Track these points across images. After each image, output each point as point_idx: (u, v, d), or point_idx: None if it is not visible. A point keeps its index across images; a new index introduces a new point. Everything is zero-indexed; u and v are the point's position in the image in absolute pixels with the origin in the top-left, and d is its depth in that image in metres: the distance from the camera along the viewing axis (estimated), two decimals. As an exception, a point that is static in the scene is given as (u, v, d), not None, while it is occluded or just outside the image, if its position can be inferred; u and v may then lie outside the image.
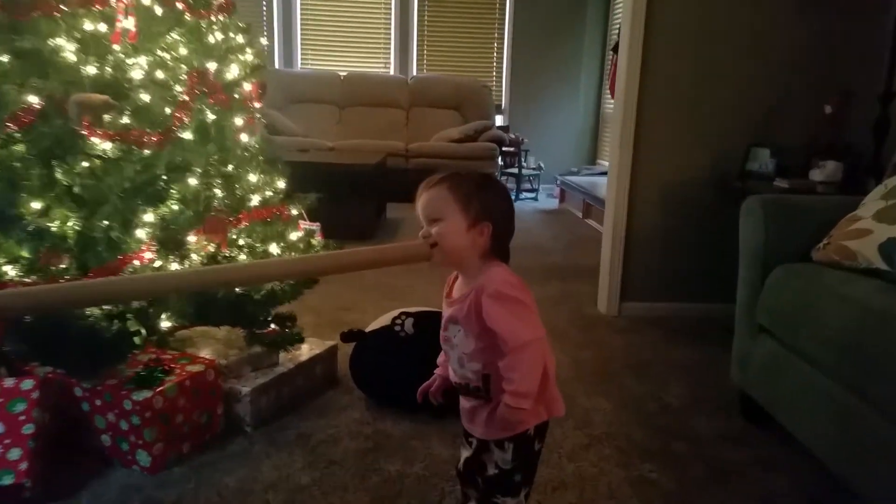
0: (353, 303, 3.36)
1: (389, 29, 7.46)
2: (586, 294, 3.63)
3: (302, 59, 7.47)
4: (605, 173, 6.17)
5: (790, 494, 1.87)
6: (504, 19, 7.53)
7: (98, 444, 1.89)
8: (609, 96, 6.86)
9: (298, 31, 7.39)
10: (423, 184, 1.35)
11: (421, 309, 2.29)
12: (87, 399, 1.88)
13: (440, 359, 1.50)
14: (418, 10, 7.45)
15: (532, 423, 1.37)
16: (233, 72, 2.27)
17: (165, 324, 2.01)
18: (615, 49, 6.31)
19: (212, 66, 2.18)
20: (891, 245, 1.89)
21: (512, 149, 6.90)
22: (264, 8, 7.21)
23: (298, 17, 7.35)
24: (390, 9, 7.42)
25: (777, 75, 3.17)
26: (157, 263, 1.95)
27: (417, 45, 7.54)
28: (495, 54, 7.66)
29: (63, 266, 1.89)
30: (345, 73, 7.29)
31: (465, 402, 1.43)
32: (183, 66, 2.13)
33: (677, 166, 3.23)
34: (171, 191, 2.04)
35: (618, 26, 6.66)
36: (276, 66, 7.35)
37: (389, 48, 7.52)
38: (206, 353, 2.16)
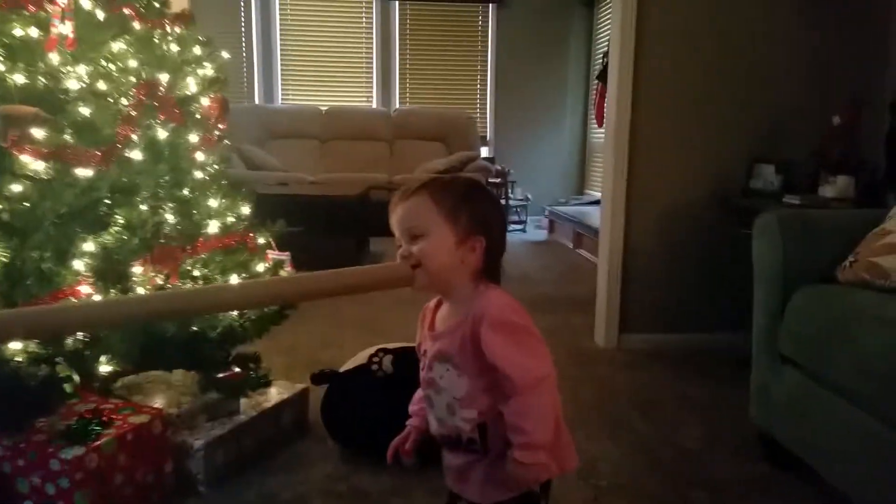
0: (331, 339, 3.10)
1: (371, 62, 7.30)
2: (582, 326, 3.38)
3: (283, 94, 7.29)
4: (595, 202, 5.97)
5: (830, 550, 1.61)
6: (487, 50, 7.39)
7: (22, 512, 1.60)
8: (595, 125, 6.69)
9: (279, 67, 7.22)
10: (398, 192, 1.12)
11: (401, 345, 2.04)
12: (9, 459, 1.59)
13: (413, 406, 1.25)
14: (400, 43, 7.30)
15: (544, 479, 1.11)
16: (189, 86, 2.03)
17: (105, 368, 1.74)
18: (600, 77, 6.15)
19: (164, 78, 1.94)
20: (930, 260, 1.66)
21: (498, 180, 6.69)
22: (244, 43, 7.04)
23: (279, 52, 7.18)
24: (372, 42, 7.27)
25: (779, 87, 2.98)
26: (96, 298, 1.68)
27: (400, 78, 7.38)
28: (479, 85, 7.51)
29: (-13, 303, 1.63)
30: (326, 108, 7.11)
31: (452, 459, 1.17)
32: (131, 77, 1.89)
33: (675, 188, 3.02)
34: (115, 216, 1.80)
35: (601, 54, 6.52)
36: (257, 101, 7.15)
37: (371, 81, 7.35)
38: (157, 402, 1.89)
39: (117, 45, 1.91)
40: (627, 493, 1.84)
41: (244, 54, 7.05)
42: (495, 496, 1.12)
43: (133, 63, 1.92)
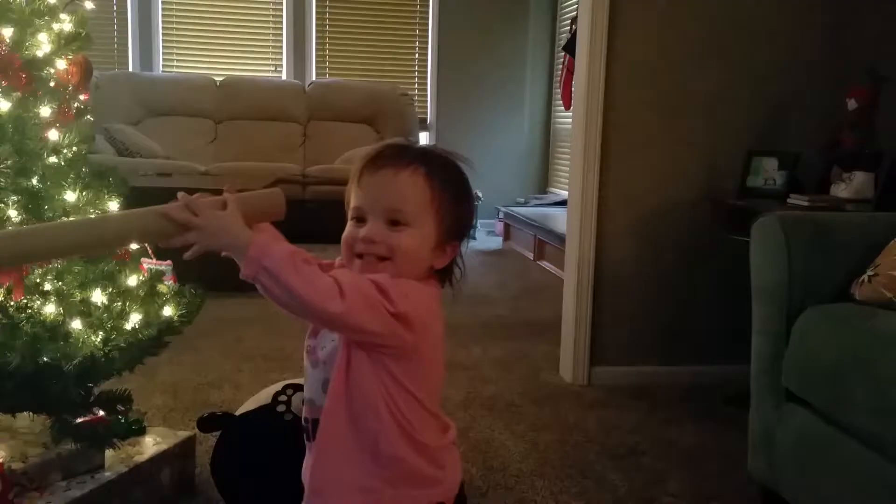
0: (225, 375, 3.06)
1: (281, 24, 7.25)
2: (544, 357, 3.42)
3: (165, 60, 7.17)
4: (561, 203, 6.04)
5: None
6: (427, 13, 7.42)
7: None
8: (561, 107, 6.79)
9: (160, 26, 7.10)
10: (380, 151, 1.15)
11: (317, 380, 2.02)
12: None
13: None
14: (317, 1, 7.27)
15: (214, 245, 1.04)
16: (40, 44, 1.97)
17: (-73, 411, 1.68)
18: (567, 47, 6.24)
19: (6, 32, 1.88)
20: (964, 275, 1.72)
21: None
22: (115, -5, 6.91)
23: (160, 8, 7.06)
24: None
25: (783, 65, 3.08)
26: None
27: (317, 45, 7.36)
28: (417, 56, 7.54)
29: None
30: (221, 79, 7.02)
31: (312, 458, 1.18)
32: (-38, 31, 1.83)
33: (658, 186, 3.08)
34: (-59, 212, 1.75)
35: (567, 20, 6.63)
36: (131, 69, 7.02)
37: (281, 48, 7.30)
38: (-4, 454, 1.82)
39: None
40: (600, 564, 1.85)
41: (115, 8, 6.92)
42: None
43: (-36, 13, 1.86)
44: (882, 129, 2.87)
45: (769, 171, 3.01)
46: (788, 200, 2.84)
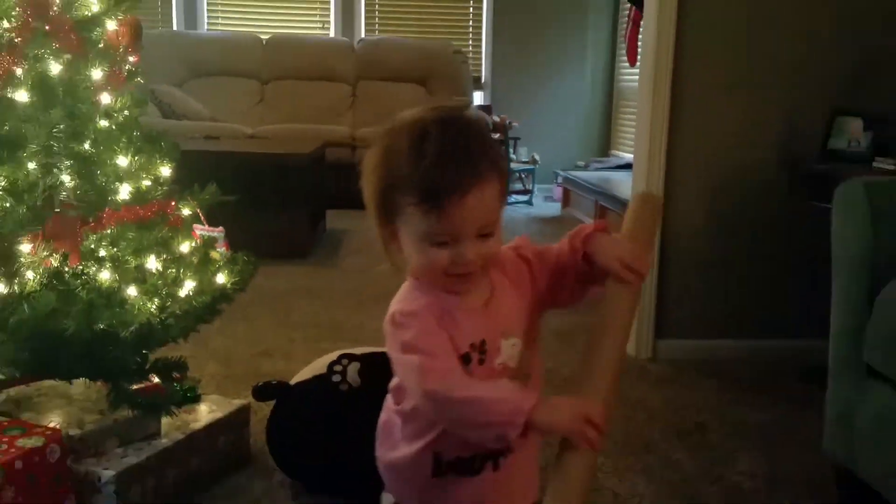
0: (278, 345, 3.14)
1: (329, -23, 7.30)
2: (606, 329, 3.45)
3: (210, 18, 7.26)
4: (625, 167, 6.02)
5: None
6: (483, -36, 7.39)
7: None
8: (626, 64, 6.74)
9: (204, -19, 7.20)
10: (457, 166, 1.10)
11: (370, 349, 2.07)
12: None
13: None
14: (367, -47, 7.30)
15: None
16: (90, 4, 2.03)
17: (-13, 376, 1.77)
18: None
19: (58, -7, 1.94)
20: None
21: (497, 135, 6.72)
22: (157, -52, 7.01)
23: (204, -39, 7.16)
24: (329, -50, 7.26)
25: (871, 16, 3.01)
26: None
27: (366, 0, 7.38)
28: (472, 11, 7.52)
29: None
30: (267, 37, 7.08)
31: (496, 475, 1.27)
32: (12, -8, 1.89)
33: (730, 149, 3.06)
34: (-5, 177, 1.81)
35: (637, -29, 6.55)
36: (175, 28, 7.12)
37: (329, 4, 7.33)
38: (52, 421, 1.91)
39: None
40: (665, 543, 1.88)
41: (158, -37, 7.02)
42: None
43: (15, -26, 1.91)
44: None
45: (854, 133, 2.98)
46: (874, 164, 2.82)
